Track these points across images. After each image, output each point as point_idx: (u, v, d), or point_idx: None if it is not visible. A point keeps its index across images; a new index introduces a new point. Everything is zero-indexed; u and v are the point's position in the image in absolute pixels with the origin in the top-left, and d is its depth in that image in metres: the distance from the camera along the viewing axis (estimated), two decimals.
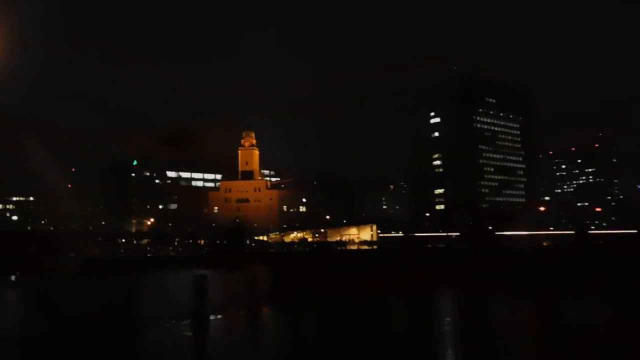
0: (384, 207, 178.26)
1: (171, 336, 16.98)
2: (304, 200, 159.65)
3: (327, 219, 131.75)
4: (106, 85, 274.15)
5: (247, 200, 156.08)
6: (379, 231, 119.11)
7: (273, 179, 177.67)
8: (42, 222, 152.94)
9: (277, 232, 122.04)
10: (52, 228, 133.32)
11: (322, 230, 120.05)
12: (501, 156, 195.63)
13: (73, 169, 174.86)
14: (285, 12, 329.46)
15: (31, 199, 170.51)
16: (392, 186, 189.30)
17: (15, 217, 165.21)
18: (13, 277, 56.54)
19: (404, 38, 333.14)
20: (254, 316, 16.51)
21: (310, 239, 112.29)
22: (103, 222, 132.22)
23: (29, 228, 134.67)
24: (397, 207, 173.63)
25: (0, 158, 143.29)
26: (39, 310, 25.95)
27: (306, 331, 18.35)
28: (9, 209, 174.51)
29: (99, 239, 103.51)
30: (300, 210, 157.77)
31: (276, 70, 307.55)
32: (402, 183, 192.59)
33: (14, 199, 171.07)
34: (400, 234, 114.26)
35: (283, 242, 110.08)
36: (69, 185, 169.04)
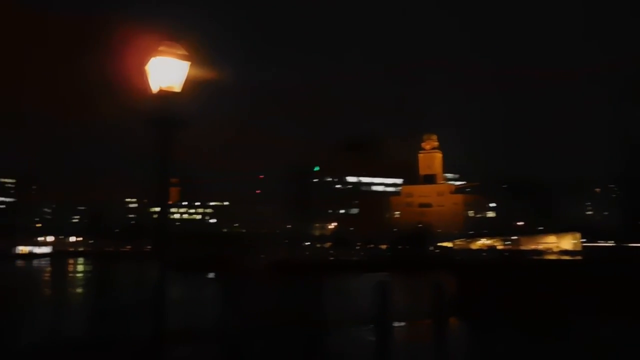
0: (589, 212, 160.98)
1: (354, 340, 17.12)
2: (492, 205, 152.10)
3: (519, 225, 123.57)
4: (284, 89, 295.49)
5: (429, 205, 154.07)
6: (583, 240, 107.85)
7: (457, 183, 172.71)
8: (235, 225, 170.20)
9: (463, 239, 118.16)
10: (244, 230, 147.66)
11: (514, 237, 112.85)
12: None
13: (261, 176, 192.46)
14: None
15: (226, 203, 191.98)
16: (598, 189, 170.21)
17: (213, 220, 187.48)
18: (211, 275, 63.72)
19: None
20: (440, 325, 15.85)
21: (500, 247, 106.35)
22: (288, 226, 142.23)
23: (224, 230, 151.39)
24: (606, 213, 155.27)
25: (202, 168, 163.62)
26: (233, 306, 28.51)
27: (499, 345, 17.04)
28: (208, 212, 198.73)
29: (285, 241, 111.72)
30: (488, 215, 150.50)
31: (455, 68, 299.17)
32: (611, 185, 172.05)
33: (212, 203, 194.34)
34: (611, 243, 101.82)
35: (469, 249, 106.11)
36: (258, 191, 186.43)
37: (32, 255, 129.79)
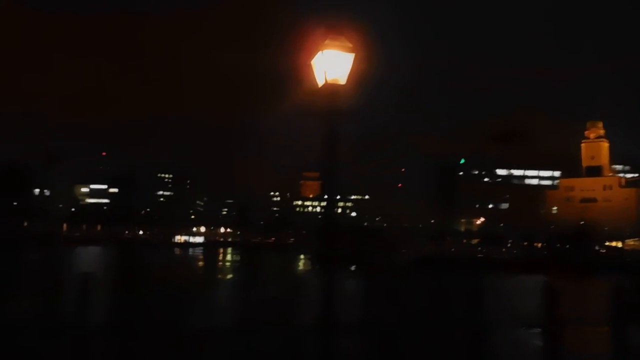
0: None
1: (520, 344, 16.45)
2: None
3: None
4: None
5: (594, 200, 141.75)
6: None
7: (628, 175, 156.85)
8: (376, 219, 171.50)
9: (636, 238, 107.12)
10: (385, 225, 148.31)
11: None
12: None
13: (403, 169, 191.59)
14: None
15: (367, 197, 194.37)
16: None
17: (353, 214, 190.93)
18: (352, 268, 64.93)
19: None
20: (621, 333, 14.58)
21: None
22: (432, 221, 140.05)
23: (365, 224, 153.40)
24: None
25: (342, 161, 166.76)
26: (380, 301, 28.87)
27: None
28: (348, 206, 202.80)
29: (429, 237, 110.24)
30: None
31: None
32: None
33: (352, 197, 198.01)
34: None
35: None
36: (400, 185, 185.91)
37: (187, 244, 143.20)
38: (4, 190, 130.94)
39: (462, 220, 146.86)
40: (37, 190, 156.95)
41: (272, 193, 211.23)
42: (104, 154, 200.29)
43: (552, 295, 15.67)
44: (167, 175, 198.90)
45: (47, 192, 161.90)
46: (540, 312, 16.22)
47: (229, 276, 55.59)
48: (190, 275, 52.02)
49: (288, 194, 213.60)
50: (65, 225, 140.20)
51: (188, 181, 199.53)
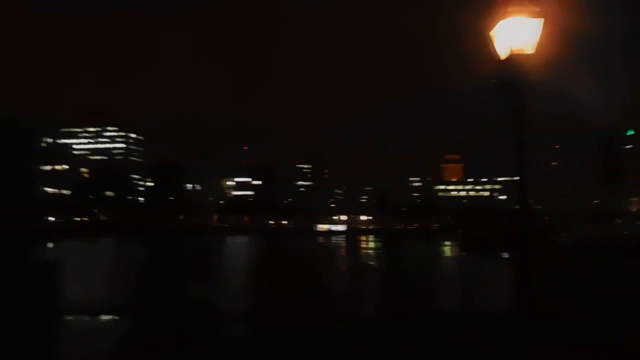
0: None
1: None
2: None
3: None
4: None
5: None
6: None
7: None
8: (530, 201, 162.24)
9: None
10: (539, 207, 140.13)
11: None
12: None
13: (557, 146, 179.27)
14: None
15: (517, 178, 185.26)
16: None
17: (502, 197, 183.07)
18: (505, 255, 61.77)
19: None
20: None
21: None
22: (595, 201, 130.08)
23: (516, 207, 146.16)
24: None
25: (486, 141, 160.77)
26: (550, 289, 27.26)
27: None
28: (496, 189, 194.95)
29: (593, 218, 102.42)
30: None
31: None
32: None
33: (500, 179, 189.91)
34: None
35: None
36: (553, 163, 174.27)
37: (330, 233, 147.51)
38: (162, 186, 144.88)
39: (634, 199, 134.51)
40: (189, 185, 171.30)
41: (411, 178, 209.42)
42: (245, 148, 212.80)
43: None
44: (305, 166, 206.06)
45: (197, 187, 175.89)
46: None
47: (372, 263, 55.92)
48: (342, 264, 53.31)
49: (429, 179, 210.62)
50: (215, 217, 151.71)
51: (326, 170, 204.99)
